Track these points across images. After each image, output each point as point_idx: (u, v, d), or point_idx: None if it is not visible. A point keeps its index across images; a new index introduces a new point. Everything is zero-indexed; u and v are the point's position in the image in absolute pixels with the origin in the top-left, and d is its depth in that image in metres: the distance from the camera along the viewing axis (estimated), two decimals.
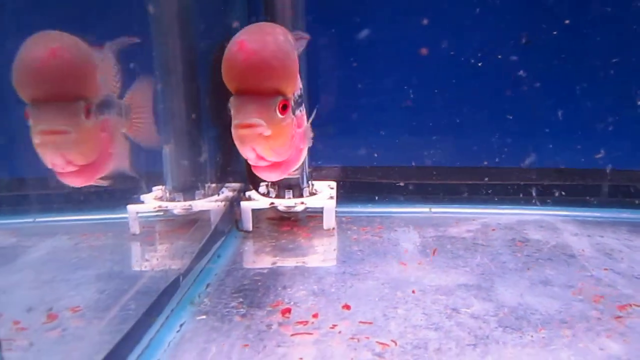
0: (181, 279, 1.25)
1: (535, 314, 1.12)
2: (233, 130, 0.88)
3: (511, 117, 1.83)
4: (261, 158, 0.92)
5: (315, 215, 1.76)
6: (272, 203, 1.68)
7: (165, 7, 1.60)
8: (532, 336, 1.02)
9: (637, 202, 1.77)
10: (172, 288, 1.20)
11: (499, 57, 1.80)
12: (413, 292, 1.22)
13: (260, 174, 1.00)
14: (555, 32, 1.75)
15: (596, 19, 1.72)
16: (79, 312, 1.12)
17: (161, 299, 1.14)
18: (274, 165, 0.97)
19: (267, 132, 0.87)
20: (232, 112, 0.89)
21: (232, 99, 0.89)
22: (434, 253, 1.46)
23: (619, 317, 1.09)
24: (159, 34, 1.62)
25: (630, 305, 1.14)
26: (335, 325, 1.08)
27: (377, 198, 1.92)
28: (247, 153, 0.91)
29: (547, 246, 1.51)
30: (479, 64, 1.81)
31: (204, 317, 1.14)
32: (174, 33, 1.62)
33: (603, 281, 1.28)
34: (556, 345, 0.99)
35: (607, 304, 1.15)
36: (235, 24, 1.73)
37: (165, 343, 1.04)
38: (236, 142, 0.90)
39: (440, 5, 1.79)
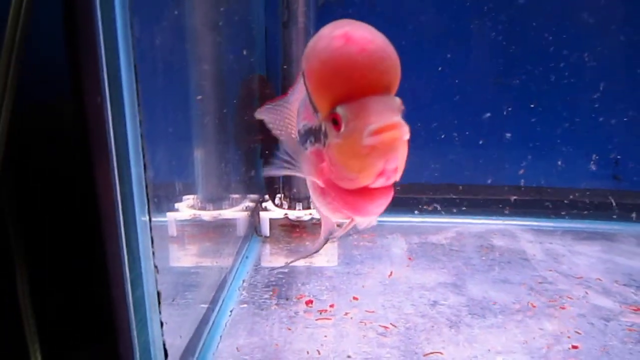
0: (227, 275, 1.60)
1: (495, 304, 1.50)
2: (365, 140, 0.63)
3: (481, 142, 2.22)
4: (393, 173, 0.67)
5: (320, 223, 2.12)
6: (286, 214, 2.04)
7: (202, 42, 1.92)
8: (492, 321, 1.41)
9: (576, 212, 2.18)
10: (222, 282, 1.55)
11: (472, 93, 2.18)
12: (404, 288, 1.60)
13: (379, 203, 0.71)
14: (518, 77, 2.14)
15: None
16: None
17: (216, 292, 1.49)
18: (391, 187, 0.72)
19: (408, 135, 0.65)
20: (348, 121, 0.65)
21: (342, 108, 0.66)
22: (411, 259, 1.85)
23: (554, 305, 1.49)
24: (196, 60, 1.94)
25: (562, 297, 1.54)
26: (347, 313, 1.45)
27: None
28: (380, 166, 0.65)
29: (508, 251, 1.91)
30: (456, 98, 2.19)
31: (245, 305, 1.50)
32: (208, 60, 1.94)
33: (547, 279, 1.67)
34: (509, 327, 1.38)
35: (547, 296, 1.55)
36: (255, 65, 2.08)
37: (223, 324, 1.39)
38: (368, 158, 0.65)
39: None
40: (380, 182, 0.68)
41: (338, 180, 0.70)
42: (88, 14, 0.74)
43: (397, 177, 0.69)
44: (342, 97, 0.66)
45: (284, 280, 1.67)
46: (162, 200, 1.91)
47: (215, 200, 2.03)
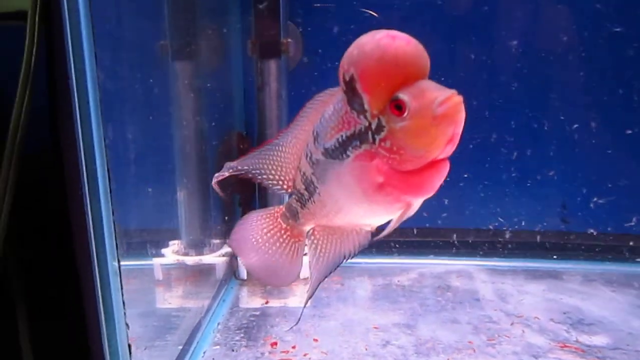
0: (202, 319, 1.80)
1: (440, 344, 1.69)
2: (437, 111, 0.72)
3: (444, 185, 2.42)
4: (458, 139, 0.77)
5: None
6: None
7: (185, 103, 2.15)
8: (435, 359, 1.60)
9: (528, 253, 2.37)
10: (198, 325, 1.74)
11: None
12: (362, 329, 1.79)
13: (443, 174, 0.80)
14: (469, 118, 2.36)
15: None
16: (134, 342, 1.65)
17: (191, 333, 1.68)
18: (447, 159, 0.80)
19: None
20: (412, 103, 0.73)
21: (403, 93, 0.74)
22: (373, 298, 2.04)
23: (492, 344, 1.68)
24: (179, 119, 2.16)
25: (501, 336, 1.73)
26: (306, 354, 1.63)
27: None
28: (450, 132, 0.75)
29: (462, 292, 2.10)
30: None
31: (218, 347, 1.69)
32: (190, 120, 2.16)
33: (492, 318, 1.86)
34: None
35: (489, 335, 1.74)
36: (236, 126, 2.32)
37: None
38: (439, 127, 0.74)
39: None
40: (448, 150, 0.77)
41: (402, 164, 0.77)
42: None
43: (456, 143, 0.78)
44: (398, 85, 0.75)
45: (254, 323, 1.86)
46: (149, 246, 2.13)
47: (197, 246, 2.24)
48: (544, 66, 2.25)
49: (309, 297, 0.99)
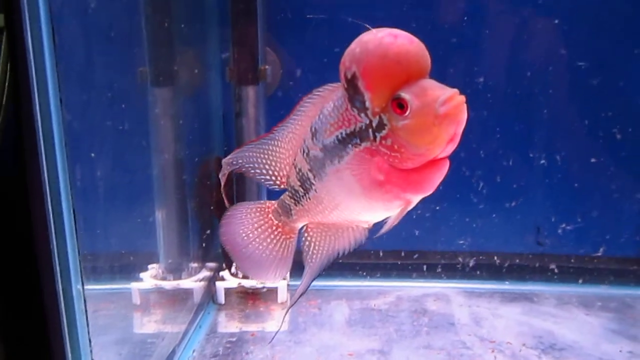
0: (176, 347, 1.80)
1: None
2: (439, 110, 0.74)
3: (420, 208, 2.46)
4: (458, 138, 0.79)
5: (274, 289, 2.33)
6: (240, 283, 2.25)
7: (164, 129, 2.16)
8: None
9: (505, 275, 2.40)
10: (172, 353, 1.74)
11: None
12: (336, 356, 1.80)
13: (443, 172, 0.82)
14: None
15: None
16: None
17: None
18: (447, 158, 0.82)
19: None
20: (413, 102, 0.75)
21: (405, 92, 0.76)
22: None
23: None
24: (157, 146, 2.17)
25: None
26: None
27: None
28: (452, 131, 0.76)
29: (438, 316, 2.11)
30: None
31: None
32: (169, 145, 2.17)
33: (466, 344, 1.88)
34: None
35: None
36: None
37: None
38: (441, 126, 0.75)
39: None
40: (449, 149, 0.79)
41: (403, 162, 0.78)
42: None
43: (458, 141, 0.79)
44: (401, 84, 0.76)
45: (230, 350, 1.86)
46: (127, 270, 2.13)
47: (175, 270, 2.24)
48: (516, 89, 2.30)
49: (300, 294, 1.00)
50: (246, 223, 1.03)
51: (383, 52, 0.75)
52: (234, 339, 1.93)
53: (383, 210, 0.89)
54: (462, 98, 0.75)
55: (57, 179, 1.04)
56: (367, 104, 0.79)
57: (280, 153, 0.96)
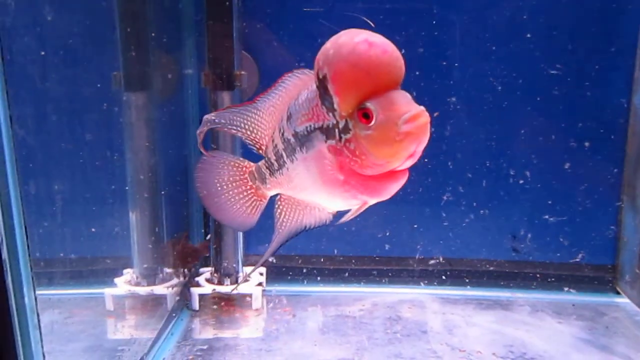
0: (145, 355, 1.79)
1: None
2: (402, 128, 0.75)
3: (404, 214, 2.45)
4: (419, 154, 0.81)
5: (248, 294, 2.32)
6: (214, 289, 2.24)
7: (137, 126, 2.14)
8: None
9: (481, 281, 2.40)
10: None
11: None
12: None
13: (400, 183, 0.85)
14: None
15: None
16: None
17: None
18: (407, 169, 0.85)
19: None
20: (379, 114, 0.76)
21: (372, 103, 0.77)
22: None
23: None
24: (131, 152, 2.15)
25: None
26: None
27: (289, 278, 2.48)
28: (412, 149, 0.78)
29: (411, 323, 2.11)
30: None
31: None
32: (143, 153, 2.16)
33: (437, 353, 1.88)
34: None
35: None
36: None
37: None
38: (402, 142, 0.76)
39: None
40: (408, 164, 0.81)
41: (363, 168, 0.81)
42: None
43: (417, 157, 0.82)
44: (369, 93, 0.77)
45: (201, 358, 1.85)
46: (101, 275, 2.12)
47: (149, 276, 2.23)
48: (490, 97, 2.30)
49: (268, 256, 1.09)
50: (223, 175, 1.09)
51: (354, 61, 0.76)
52: (206, 347, 1.92)
53: (342, 204, 0.94)
54: (426, 118, 0.76)
55: (8, 191, 1.02)
56: (335, 106, 0.81)
57: (260, 123, 1.00)
